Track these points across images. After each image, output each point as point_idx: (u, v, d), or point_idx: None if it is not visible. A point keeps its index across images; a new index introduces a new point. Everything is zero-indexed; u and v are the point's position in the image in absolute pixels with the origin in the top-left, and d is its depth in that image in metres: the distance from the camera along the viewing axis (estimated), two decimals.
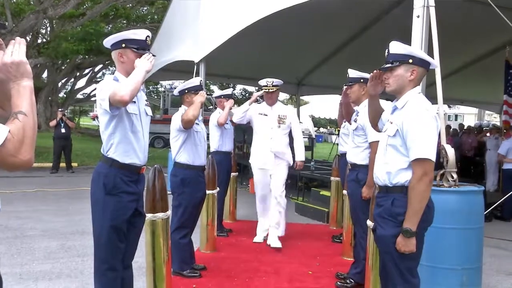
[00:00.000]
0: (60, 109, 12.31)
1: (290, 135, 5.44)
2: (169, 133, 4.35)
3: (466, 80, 11.11)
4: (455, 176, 3.56)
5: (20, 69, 1.35)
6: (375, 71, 2.67)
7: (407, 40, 3.25)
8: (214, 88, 29.49)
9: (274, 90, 5.25)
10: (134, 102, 2.71)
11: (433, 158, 2.33)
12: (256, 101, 5.57)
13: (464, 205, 3.41)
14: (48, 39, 19.80)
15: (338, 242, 5.48)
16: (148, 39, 2.76)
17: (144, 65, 2.62)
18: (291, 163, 5.33)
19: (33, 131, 1.33)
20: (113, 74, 2.85)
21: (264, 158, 5.24)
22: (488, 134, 11.57)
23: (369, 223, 2.99)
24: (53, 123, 11.65)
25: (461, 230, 3.38)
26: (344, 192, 4.68)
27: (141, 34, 2.74)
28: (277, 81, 5.28)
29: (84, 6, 18.21)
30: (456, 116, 41.73)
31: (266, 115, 5.29)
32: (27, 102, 1.34)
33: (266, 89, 5.26)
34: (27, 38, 18.52)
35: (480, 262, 3.55)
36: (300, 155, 5.40)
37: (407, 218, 2.34)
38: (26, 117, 1.32)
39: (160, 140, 19.94)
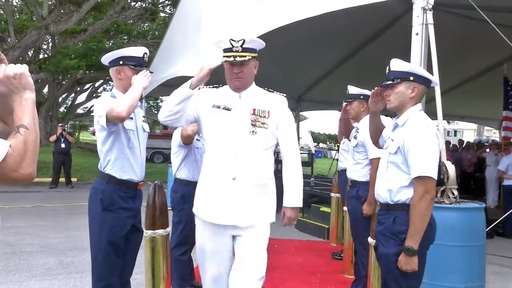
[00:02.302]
0: (60, 124, 12.35)
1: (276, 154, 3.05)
2: (168, 149, 4.35)
3: (465, 96, 11.15)
4: (456, 193, 3.54)
5: (22, 81, 1.35)
6: (376, 88, 2.68)
7: (406, 57, 3.28)
8: None
9: (246, 58, 2.47)
10: (132, 118, 2.72)
11: (435, 176, 2.33)
12: (207, 84, 2.72)
13: (465, 222, 3.39)
14: (50, 54, 19.93)
15: (338, 259, 5.43)
16: (145, 56, 2.79)
17: (141, 81, 2.63)
18: (273, 216, 2.62)
19: (35, 145, 1.33)
20: (112, 89, 2.86)
21: (222, 202, 2.51)
22: (487, 150, 11.58)
23: (371, 240, 2.97)
24: (52, 138, 11.67)
25: (463, 248, 3.35)
26: (345, 208, 4.66)
27: (138, 51, 2.77)
28: (252, 40, 2.50)
29: (86, 22, 18.37)
30: (455, 131, 41.81)
31: (228, 109, 2.54)
32: (29, 115, 1.34)
33: (228, 56, 2.48)
34: (29, 53, 18.67)
35: (483, 280, 3.51)
36: (293, 197, 2.59)
37: (409, 236, 2.33)
38: (27, 130, 1.31)
39: (160, 156, 19.93)
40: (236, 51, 2.43)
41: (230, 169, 2.47)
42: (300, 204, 2.57)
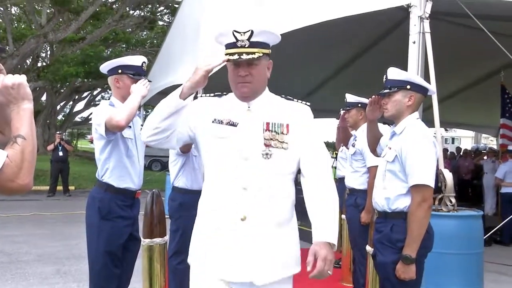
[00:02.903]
0: (58, 132, 12.36)
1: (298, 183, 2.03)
2: (166, 156, 4.35)
3: (462, 104, 11.20)
4: (453, 200, 3.55)
5: (21, 91, 1.36)
6: (373, 96, 2.70)
7: (403, 66, 3.29)
8: None
9: (254, 56, 1.83)
10: (130, 126, 2.73)
11: (432, 184, 2.34)
12: (206, 92, 2.13)
13: (463, 230, 3.39)
14: (48, 62, 19.97)
15: (336, 267, 5.41)
16: (144, 65, 2.81)
17: (140, 90, 2.64)
18: (298, 265, 1.93)
19: (32, 155, 1.33)
20: (110, 98, 2.88)
21: (230, 250, 1.85)
22: (485, 157, 11.61)
23: (369, 249, 2.97)
24: (50, 147, 11.70)
25: (461, 255, 3.35)
26: (343, 216, 4.65)
27: (137, 60, 2.79)
28: (262, 31, 1.85)
29: (84, 31, 18.43)
30: (453, 139, 41.89)
31: (233, 124, 1.91)
32: (26, 125, 1.34)
33: (232, 54, 1.84)
34: (28, 61, 18.71)
35: None
36: (327, 230, 1.83)
37: (406, 244, 2.33)
38: (25, 140, 1.31)
39: (158, 163, 19.91)
40: (242, 47, 1.80)
41: (238, 206, 1.80)
42: (335, 240, 1.78)
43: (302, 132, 1.88)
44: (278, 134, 1.85)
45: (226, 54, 1.83)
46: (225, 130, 1.86)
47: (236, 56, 1.80)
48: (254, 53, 1.79)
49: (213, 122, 1.88)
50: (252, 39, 1.80)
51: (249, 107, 1.89)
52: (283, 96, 1.96)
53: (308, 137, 1.90)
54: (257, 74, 1.84)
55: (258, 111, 1.89)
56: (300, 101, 1.94)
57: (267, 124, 1.86)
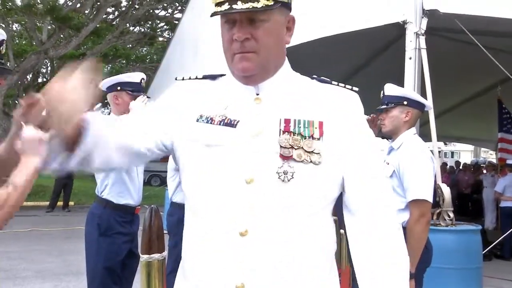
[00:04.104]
0: None
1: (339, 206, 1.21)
2: (166, 171, 4.36)
3: (460, 118, 11.26)
4: (451, 215, 3.56)
5: (36, 147, 1.39)
6: (371, 115, 2.73)
7: (400, 81, 3.34)
8: None
9: (259, 4, 1.03)
10: None
11: (430, 199, 2.36)
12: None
13: (461, 245, 3.40)
14: (49, 78, 20.07)
15: None
16: (142, 81, 2.84)
17: (139, 107, 2.67)
18: None
19: (15, 205, 1.39)
20: (109, 113, 2.91)
21: None
22: (484, 171, 11.62)
23: None
24: None
25: (460, 270, 3.35)
26: (342, 231, 4.64)
27: (135, 77, 2.83)
28: None
29: (85, 47, 18.59)
30: (452, 153, 41.93)
31: (232, 124, 1.10)
32: (25, 176, 1.39)
33: (221, 3, 1.05)
34: (28, 77, 18.82)
35: None
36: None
37: None
38: (15, 189, 1.37)
39: (157, 178, 19.86)
40: None
41: (231, 268, 1.06)
42: None
43: (349, 136, 1.12)
44: (305, 138, 1.07)
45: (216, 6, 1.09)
46: (217, 133, 1.10)
47: (226, 6, 1.05)
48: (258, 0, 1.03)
49: (198, 120, 1.13)
50: None
51: (257, 94, 1.14)
52: (314, 77, 1.20)
53: (358, 145, 1.13)
54: (266, 37, 1.08)
55: (273, 101, 1.13)
56: (343, 85, 1.18)
57: (287, 121, 1.09)
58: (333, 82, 1.19)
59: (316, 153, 1.07)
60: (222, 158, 1.08)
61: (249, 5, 1.03)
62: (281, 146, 1.06)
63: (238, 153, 1.07)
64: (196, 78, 1.22)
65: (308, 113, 1.11)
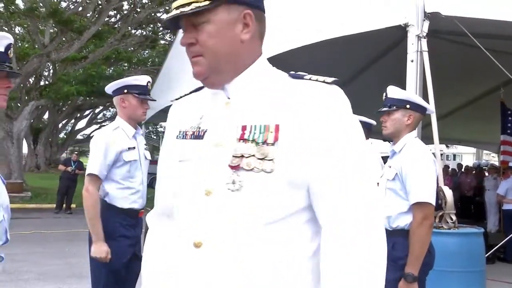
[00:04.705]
0: (75, 152, 13.02)
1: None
2: None
3: (462, 120, 11.24)
4: (454, 218, 3.55)
5: None
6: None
7: (402, 84, 3.34)
8: None
9: (189, 7, 1.00)
10: (134, 147, 2.76)
11: (433, 202, 2.36)
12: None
13: (464, 247, 3.39)
14: (51, 81, 20.15)
15: None
16: (149, 84, 2.85)
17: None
18: None
19: None
20: (112, 115, 2.91)
21: None
22: (486, 174, 11.60)
23: None
24: (61, 167, 11.95)
25: (463, 273, 3.34)
26: None
27: (142, 79, 2.83)
28: None
29: (87, 49, 18.64)
30: (454, 155, 41.88)
31: (199, 136, 1.09)
32: None
33: (169, 10, 1.10)
34: (30, 80, 18.88)
35: None
36: None
37: (408, 262, 2.33)
38: None
39: None
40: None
41: (184, 277, 1.04)
42: None
43: (317, 138, 0.98)
44: (258, 145, 1.00)
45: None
46: (187, 147, 1.09)
47: (173, 12, 1.04)
48: (190, 3, 1.00)
49: (177, 137, 1.14)
50: None
51: (229, 98, 1.08)
52: (292, 72, 1.08)
53: (329, 148, 0.98)
54: (209, 39, 1.03)
55: (240, 104, 1.06)
56: (322, 80, 1.04)
57: (243, 128, 1.02)
58: (305, 77, 1.05)
59: (268, 160, 0.98)
60: (189, 172, 1.06)
61: (179, 10, 1.01)
62: (232, 156, 1.00)
63: (201, 166, 1.04)
64: (185, 94, 1.22)
65: (268, 116, 1.01)
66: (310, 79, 1.04)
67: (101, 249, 2.57)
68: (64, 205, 11.63)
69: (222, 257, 0.99)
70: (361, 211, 0.97)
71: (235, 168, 0.99)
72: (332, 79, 1.05)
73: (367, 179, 1.00)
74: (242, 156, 0.99)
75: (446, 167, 12.92)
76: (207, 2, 0.99)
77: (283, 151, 0.98)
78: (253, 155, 0.98)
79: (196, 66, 1.06)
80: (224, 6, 1.01)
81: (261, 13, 1.08)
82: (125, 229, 2.70)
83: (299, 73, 1.07)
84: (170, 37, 19.90)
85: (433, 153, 3.13)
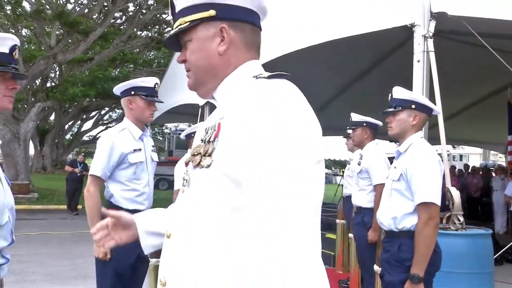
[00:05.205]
0: (82, 153, 13.05)
1: None
2: (173, 175, 4.37)
3: (469, 121, 11.17)
4: (461, 219, 3.52)
5: None
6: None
7: (408, 84, 3.32)
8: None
9: (181, 26, 1.13)
10: (140, 149, 2.76)
11: (438, 202, 2.34)
12: None
13: (472, 249, 3.36)
14: (57, 82, 20.25)
15: (345, 286, 5.36)
16: (156, 86, 2.84)
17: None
18: None
19: None
20: (118, 117, 2.92)
21: None
22: (493, 175, 11.52)
23: (376, 268, 2.94)
24: (68, 168, 12.02)
25: (470, 275, 3.30)
26: (350, 235, 4.63)
27: (149, 81, 2.83)
28: None
29: (93, 51, 18.72)
30: (461, 156, 41.63)
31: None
32: None
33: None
34: (37, 81, 19.00)
35: None
36: None
37: (414, 263, 2.31)
38: None
39: (165, 182, 19.92)
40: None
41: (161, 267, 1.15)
42: None
43: (237, 133, 0.97)
44: (205, 143, 1.08)
45: None
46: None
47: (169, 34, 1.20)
48: (178, 25, 1.14)
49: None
50: (177, 10, 1.16)
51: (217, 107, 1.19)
52: (256, 74, 1.10)
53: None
54: (192, 55, 1.14)
55: (218, 111, 1.17)
56: (266, 76, 1.06)
57: (206, 130, 1.13)
58: (259, 76, 1.07)
59: (208, 156, 1.03)
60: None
61: (173, 31, 1.15)
62: (191, 155, 1.11)
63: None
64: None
65: (219, 117, 1.09)
66: (257, 77, 1.07)
67: (100, 249, 2.57)
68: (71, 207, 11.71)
69: (182, 246, 1.07)
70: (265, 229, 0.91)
71: (186, 165, 1.12)
72: (277, 73, 1.07)
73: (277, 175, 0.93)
74: (194, 154, 1.09)
75: (452, 168, 12.84)
76: (187, 24, 1.11)
77: (221, 147, 1.01)
78: (200, 153, 1.06)
79: (188, 79, 1.18)
80: (204, 24, 1.12)
81: (241, 23, 1.13)
82: None
83: (259, 74, 1.09)
84: None
85: (440, 154, 3.11)
